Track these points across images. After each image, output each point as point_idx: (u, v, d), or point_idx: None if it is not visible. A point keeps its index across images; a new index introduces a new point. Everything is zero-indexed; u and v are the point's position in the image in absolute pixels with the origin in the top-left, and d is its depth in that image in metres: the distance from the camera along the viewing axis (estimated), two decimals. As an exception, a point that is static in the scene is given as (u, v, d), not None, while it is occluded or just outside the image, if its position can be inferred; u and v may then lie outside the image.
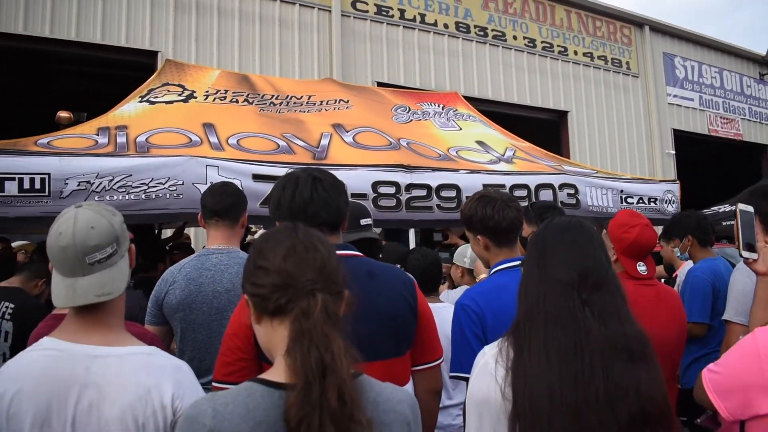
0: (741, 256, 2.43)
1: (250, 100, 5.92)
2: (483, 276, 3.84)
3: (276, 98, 6.14)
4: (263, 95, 6.14)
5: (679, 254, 4.90)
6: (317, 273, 1.36)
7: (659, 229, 10.72)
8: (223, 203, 3.18)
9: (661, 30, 16.52)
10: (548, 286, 1.69)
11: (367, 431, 1.25)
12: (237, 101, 5.83)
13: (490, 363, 1.68)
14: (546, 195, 5.34)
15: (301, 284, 1.34)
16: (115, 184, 3.98)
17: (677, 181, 6.98)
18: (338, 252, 2.09)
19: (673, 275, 5.35)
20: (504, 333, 1.74)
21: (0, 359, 4.13)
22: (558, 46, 14.40)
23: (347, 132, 5.59)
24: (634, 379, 1.56)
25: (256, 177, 4.36)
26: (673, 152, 16.02)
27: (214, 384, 2.00)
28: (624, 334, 1.61)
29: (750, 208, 2.45)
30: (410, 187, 4.82)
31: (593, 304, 1.64)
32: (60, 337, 1.69)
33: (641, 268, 2.96)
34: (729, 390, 1.87)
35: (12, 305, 4.21)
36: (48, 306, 4.74)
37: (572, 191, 5.53)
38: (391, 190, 4.73)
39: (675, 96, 16.57)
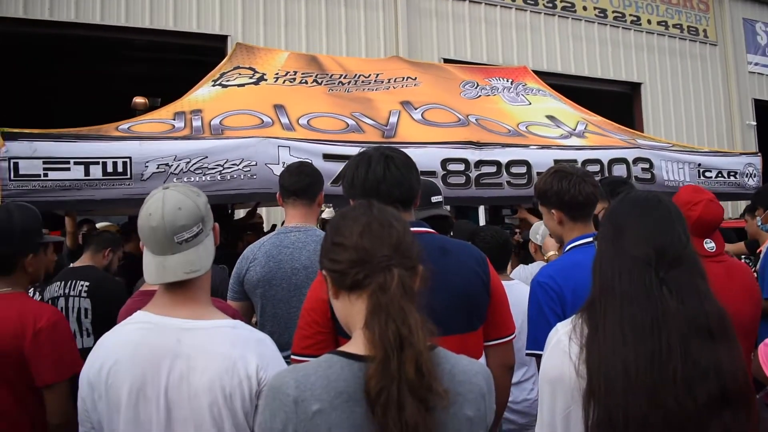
0: None
1: (319, 81, 6.00)
2: (552, 253, 3.80)
3: (344, 77, 6.20)
4: (331, 75, 6.21)
5: (760, 224, 4.71)
6: (393, 249, 1.39)
7: (736, 205, 10.31)
8: (300, 183, 3.26)
9: (741, -6, 15.74)
10: (623, 262, 1.65)
11: (444, 402, 1.28)
12: (306, 82, 5.92)
13: (563, 340, 1.66)
14: (620, 170, 5.23)
15: (377, 260, 1.38)
16: (192, 166, 4.13)
17: (759, 154, 6.69)
18: (411, 229, 2.15)
19: (758, 251, 5.16)
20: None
21: (84, 334, 4.36)
22: (630, 15, 13.90)
23: (416, 109, 5.60)
24: (713, 358, 1.52)
25: (327, 156, 4.44)
26: (754, 123, 15.28)
27: (292, 357, 2.06)
28: (704, 312, 1.57)
29: None
30: (480, 163, 4.81)
31: (671, 282, 1.59)
32: (152, 311, 1.78)
33: (708, 245, 2.89)
34: None
35: (87, 283, 4.40)
36: (121, 275, 4.99)
37: (647, 165, 5.40)
38: (461, 167, 4.73)
39: (756, 64, 15.76)
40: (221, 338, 1.71)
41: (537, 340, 2.43)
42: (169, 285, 1.78)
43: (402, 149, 2.41)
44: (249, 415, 1.67)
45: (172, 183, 1.83)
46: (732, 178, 6.14)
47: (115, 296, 4.16)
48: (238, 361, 1.67)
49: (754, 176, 6.34)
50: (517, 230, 6.44)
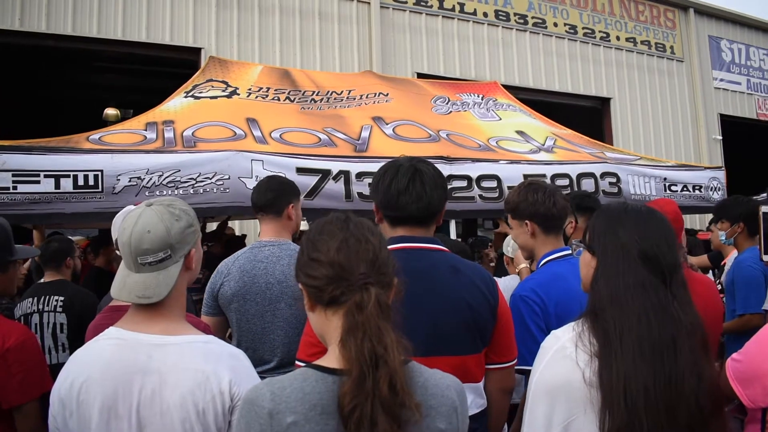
0: (762, 260, 2.41)
1: (292, 98, 6.03)
2: (524, 266, 3.85)
3: (317, 94, 6.24)
4: (304, 92, 6.24)
5: (723, 239, 4.79)
6: (369, 266, 1.40)
7: (703, 217, 10.48)
8: (264, 198, 3.28)
9: (706, 12, 16.10)
10: (634, 275, 1.64)
11: (417, 416, 1.30)
12: (279, 99, 5.94)
13: (569, 347, 1.63)
14: (588, 184, 5.32)
15: (354, 278, 1.39)
16: (164, 180, 4.11)
17: (723, 168, 6.85)
18: (423, 245, 2.19)
19: (722, 263, 5.28)
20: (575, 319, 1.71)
21: (60, 349, 4.32)
22: (600, 31, 14.17)
23: (387, 124, 5.65)
24: (710, 369, 1.57)
25: (300, 170, 4.45)
26: (720, 138, 15.62)
27: (297, 363, 2.06)
28: (699, 324, 1.61)
29: None
30: (451, 177, 4.86)
31: (679, 296, 1.62)
32: (124, 327, 1.78)
33: None
34: (749, 378, 1.89)
35: (61, 298, 4.39)
36: (87, 285, 4.95)
37: (614, 180, 5.50)
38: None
39: (721, 80, 16.14)
40: (193, 354, 1.71)
41: (524, 356, 2.40)
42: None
43: (373, 163, 2.42)
44: (222, 431, 1.68)
45: (160, 199, 1.84)
46: (697, 192, 6.27)
47: (90, 310, 4.15)
48: (211, 376, 1.67)
49: (719, 190, 6.48)
50: (490, 243, 6.52)
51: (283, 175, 4.21)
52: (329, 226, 1.50)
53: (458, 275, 2.20)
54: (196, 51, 9.44)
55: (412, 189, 2.20)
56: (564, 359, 1.62)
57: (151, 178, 4.10)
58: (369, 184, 4.03)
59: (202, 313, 3.28)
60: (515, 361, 2.35)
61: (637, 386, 1.51)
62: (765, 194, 9.27)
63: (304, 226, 6.73)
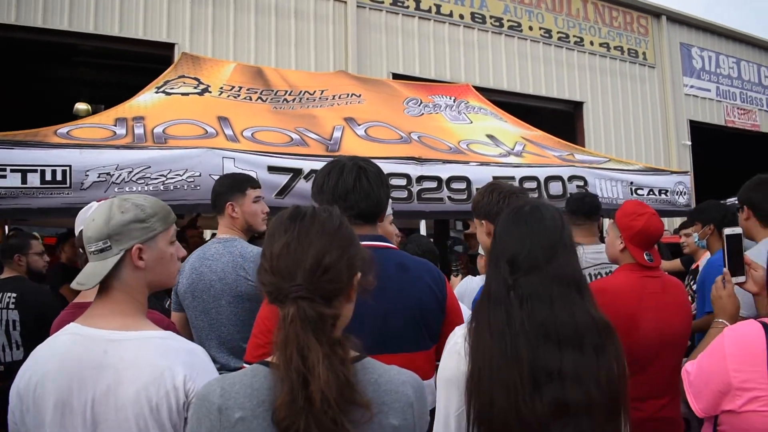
0: (724, 281, 2.49)
1: (264, 98, 6.01)
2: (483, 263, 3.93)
3: (289, 94, 6.24)
4: (276, 92, 6.23)
5: (697, 241, 4.94)
6: (308, 274, 1.35)
7: (670, 221, 10.69)
8: (211, 198, 3.39)
9: (678, 20, 16.38)
10: (495, 268, 1.78)
11: (368, 414, 1.30)
12: (250, 99, 5.93)
13: (460, 342, 1.75)
14: (556, 187, 5.40)
15: (286, 290, 1.35)
16: (134, 176, 4.09)
17: (689, 173, 6.98)
18: (371, 243, 2.16)
19: (693, 266, 5.41)
20: None
21: (14, 347, 4.29)
22: (574, 36, 14.34)
23: (359, 125, 5.67)
24: (557, 366, 1.60)
25: (271, 168, 4.46)
26: (689, 143, 15.91)
27: (244, 365, 2.05)
28: (554, 320, 1.65)
29: (738, 230, 2.46)
30: (421, 179, 4.90)
31: (519, 288, 1.69)
32: (82, 322, 1.78)
33: (647, 257, 3.03)
34: (700, 390, 1.92)
35: (14, 294, 4.38)
36: (41, 280, 4.92)
37: (581, 183, 5.59)
38: (402, 182, 4.82)
39: (692, 87, 16.44)
40: (149, 349, 1.71)
41: None
42: (99, 295, 1.81)
43: None
44: (177, 427, 1.67)
45: (124, 193, 1.86)
46: (663, 196, 6.37)
47: (43, 306, 4.13)
48: (166, 372, 1.65)
49: (684, 194, 6.60)
50: (460, 245, 6.58)
51: (255, 173, 4.24)
52: (280, 223, 1.45)
53: (406, 272, 2.21)
54: (170, 46, 9.39)
55: (359, 187, 2.22)
56: (455, 354, 1.75)
57: (120, 174, 4.07)
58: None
59: (171, 309, 3.37)
60: None
61: (484, 367, 1.63)
62: (733, 199, 9.46)
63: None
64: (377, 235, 2.30)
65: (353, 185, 2.22)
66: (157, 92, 5.62)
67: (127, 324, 1.76)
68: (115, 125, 4.81)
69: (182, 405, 1.66)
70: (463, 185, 5.06)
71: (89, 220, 1.81)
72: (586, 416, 1.59)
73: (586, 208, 3.79)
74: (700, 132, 16.34)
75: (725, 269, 2.50)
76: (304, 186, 4.49)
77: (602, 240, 6.25)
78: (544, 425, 1.58)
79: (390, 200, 2.60)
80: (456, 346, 1.77)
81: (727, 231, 2.53)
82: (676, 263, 6.38)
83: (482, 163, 5.35)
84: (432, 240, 7.41)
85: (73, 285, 1.80)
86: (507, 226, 1.84)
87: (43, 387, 1.68)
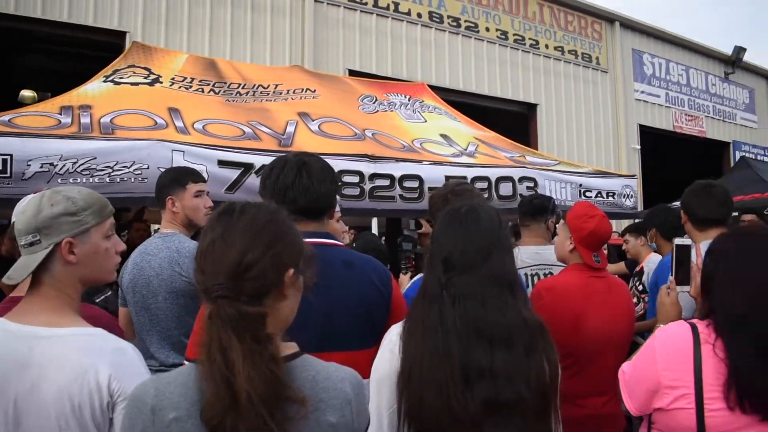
0: (668, 289, 2.58)
1: (216, 90, 5.91)
2: None
3: (242, 87, 6.15)
4: (230, 84, 6.14)
5: (651, 244, 5.23)
6: (230, 274, 1.34)
7: (617, 223, 10.97)
8: (154, 192, 3.39)
9: (631, 26, 16.77)
10: (430, 267, 1.81)
11: (303, 410, 1.29)
12: (202, 90, 5.83)
13: (394, 340, 1.78)
14: (506, 188, 5.45)
15: (209, 289, 1.34)
16: (79, 167, 3.96)
17: (636, 176, 7.15)
18: (315, 240, 2.12)
19: (637, 269, 5.58)
20: None
21: None
22: (530, 39, 14.54)
23: (313, 121, 5.63)
24: (489, 364, 1.63)
25: (222, 163, 4.38)
26: (638, 147, 16.32)
27: (185, 361, 2.03)
28: (485, 320, 1.68)
29: (688, 242, 2.52)
30: (374, 176, 4.88)
31: (452, 287, 1.73)
32: (10, 317, 1.73)
33: (595, 258, 3.09)
34: (633, 389, 1.99)
35: None
36: None
37: (531, 184, 5.65)
38: (355, 179, 4.79)
39: (642, 92, 16.87)
40: (74, 347, 1.66)
41: None
42: (29, 290, 1.76)
43: None
44: (101, 428, 1.62)
45: (68, 184, 1.80)
46: (610, 199, 6.50)
47: None
48: (89, 370, 1.61)
49: (631, 197, 6.74)
50: (409, 242, 6.60)
51: (205, 167, 4.18)
52: (210, 222, 1.44)
53: (351, 269, 2.19)
54: (121, 35, 9.19)
55: (298, 183, 2.21)
56: (388, 352, 1.78)
57: (64, 165, 3.94)
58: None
59: (119, 305, 3.33)
60: None
61: (415, 364, 1.66)
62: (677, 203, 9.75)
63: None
64: (322, 232, 2.27)
65: (292, 181, 2.21)
66: (105, 81, 5.48)
67: (55, 320, 1.71)
68: (61, 114, 4.66)
69: (106, 405, 1.62)
70: (415, 184, 5.06)
71: (20, 212, 1.78)
72: (517, 416, 1.61)
73: (533, 209, 3.87)
74: (650, 136, 16.76)
75: (671, 278, 2.58)
76: (255, 181, 4.43)
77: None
78: (476, 424, 1.60)
79: (338, 197, 2.58)
80: (390, 344, 1.79)
81: (677, 241, 2.61)
82: (620, 266, 6.54)
83: (435, 163, 5.36)
84: (384, 238, 7.43)
85: (4, 279, 1.75)
86: (443, 226, 1.88)
87: None
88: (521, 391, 1.61)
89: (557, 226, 3.35)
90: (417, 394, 1.65)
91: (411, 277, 5.10)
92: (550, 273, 3.59)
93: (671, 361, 1.87)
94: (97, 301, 3.16)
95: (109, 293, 3.43)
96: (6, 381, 1.62)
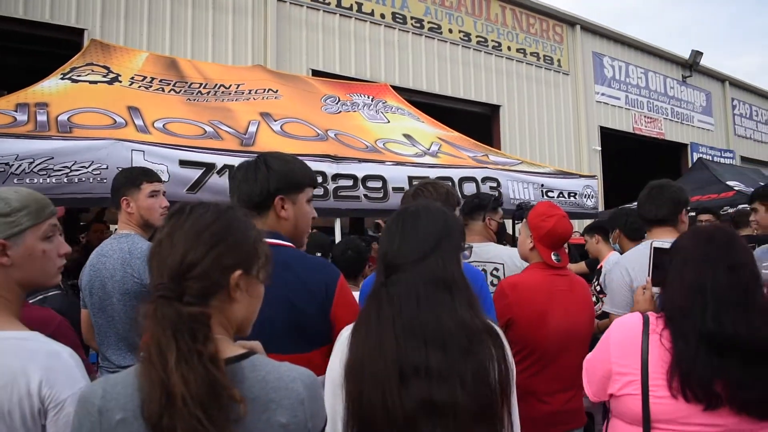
0: (644, 288, 2.70)
1: (177, 90, 5.85)
2: None
3: (204, 87, 6.10)
4: (191, 84, 6.08)
5: (612, 244, 5.45)
6: (172, 274, 1.34)
7: (578, 223, 11.14)
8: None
9: (591, 30, 17.03)
10: (378, 267, 1.84)
11: (241, 410, 1.27)
12: (163, 90, 5.76)
13: (344, 339, 1.80)
14: (469, 188, 5.51)
15: (152, 288, 1.35)
16: (35, 167, 3.89)
17: (596, 177, 7.28)
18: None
19: (598, 267, 5.69)
20: None
21: None
22: (492, 40, 14.66)
23: (275, 121, 5.61)
24: (424, 362, 1.63)
25: (183, 162, 4.35)
26: (599, 148, 16.58)
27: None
28: (418, 321, 1.68)
29: (666, 244, 2.59)
30: (337, 176, 4.90)
31: (391, 286, 1.74)
32: None
33: (555, 257, 3.13)
34: (591, 375, 2.09)
35: None
36: None
37: (494, 184, 5.72)
38: (319, 179, 4.79)
39: (603, 94, 17.14)
40: (5, 351, 1.59)
41: None
42: None
43: None
44: None
45: (23, 185, 1.75)
46: (572, 199, 6.61)
47: None
48: (19, 376, 1.55)
49: (592, 197, 6.87)
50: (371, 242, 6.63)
51: (166, 167, 4.13)
52: (164, 220, 1.45)
53: (287, 272, 2.10)
54: (79, 32, 8.98)
55: (249, 177, 2.23)
56: (339, 352, 1.79)
57: (20, 165, 3.86)
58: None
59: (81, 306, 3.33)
60: None
61: (356, 361, 1.68)
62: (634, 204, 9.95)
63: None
64: (271, 232, 2.20)
65: (244, 176, 2.22)
66: (63, 79, 5.38)
67: None
68: (16, 111, 4.57)
69: (37, 412, 1.56)
70: (379, 184, 5.09)
71: None
72: (451, 418, 1.60)
73: (470, 208, 3.90)
74: (610, 138, 17.04)
75: (648, 278, 2.73)
76: (216, 181, 4.40)
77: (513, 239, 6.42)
78: (410, 423, 1.60)
79: None
80: (341, 344, 1.79)
81: (656, 244, 2.72)
82: (581, 266, 6.65)
83: (398, 163, 5.39)
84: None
85: None
86: (387, 226, 1.91)
87: None
88: (456, 393, 1.60)
89: (521, 224, 3.40)
90: (357, 389, 1.66)
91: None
92: (484, 269, 3.61)
93: (622, 348, 1.96)
94: (31, 301, 3.08)
95: (51, 293, 3.37)
96: None
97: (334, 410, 1.72)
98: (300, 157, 4.65)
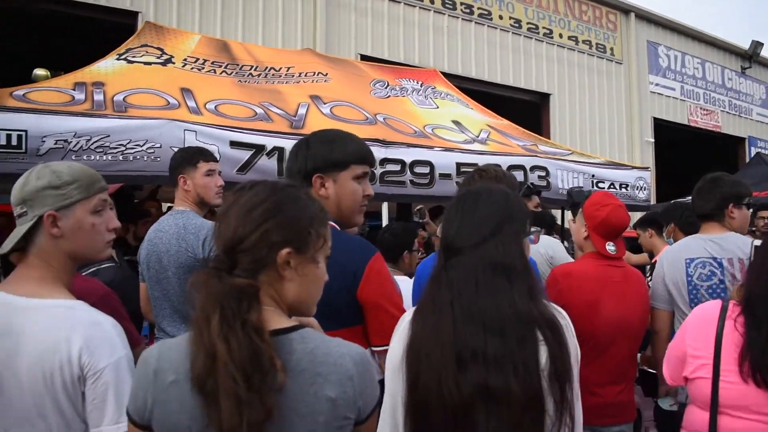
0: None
1: (228, 72, 5.92)
2: None
3: (254, 69, 6.16)
4: (242, 66, 6.14)
5: (667, 238, 5.38)
6: (225, 248, 1.40)
7: (633, 216, 10.94)
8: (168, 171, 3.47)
9: (646, 18, 16.59)
10: (439, 250, 1.83)
11: (281, 377, 1.29)
12: (215, 71, 5.84)
13: (404, 324, 1.79)
14: (517, 176, 5.44)
15: (209, 262, 1.42)
16: (92, 144, 4.01)
17: (649, 168, 7.11)
18: None
19: (653, 261, 5.57)
20: None
21: None
22: (543, 28, 14.42)
23: (325, 104, 5.63)
24: (482, 347, 1.60)
25: (234, 144, 4.41)
26: (652, 140, 16.20)
27: None
28: (476, 306, 1.65)
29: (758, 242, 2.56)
30: (384, 161, 4.89)
31: (450, 270, 1.72)
32: (1, 287, 1.75)
33: (610, 247, 3.08)
34: (669, 357, 2.17)
35: None
36: None
37: (543, 173, 5.64)
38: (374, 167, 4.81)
39: (657, 84, 16.70)
40: (51, 318, 1.67)
41: None
42: (21, 261, 1.78)
43: None
44: (74, 400, 1.63)
45: (81, 161, 1.82)
46: (623, 190, 6.47)
47: None
48: (62, 342, 1.62)
49: (644, 189, 6.72)
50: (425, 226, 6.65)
51: (217, 148, 4.19)
52: (227, 198, 1.51)
53: None
54: (133, 15, 9.15)
55: (292, 156, 2.33)
56: (399, 337, 1.77)
57: (78, 142, 3.98)
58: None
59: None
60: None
61: (415, 344, 1.67)
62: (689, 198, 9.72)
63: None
64: None
65: (290, 155, 2.29)
66: (118, 59, 5.50)
67: (38, 291, 1.72)
68: (74, 90, 4.69)
69: (77, 378, 1.62)
70: (426, 170, 5.06)
71: (16, 184, 1.79)
72: (504, 405, 1.58)
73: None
74: (663, 130, 16.63)
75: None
76: (266, 162, 4.45)
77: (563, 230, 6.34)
78: (465, 408, 1.58)
79: None
80: (403, 329, 1.77)
81: (756, 243, 2.72)
82: (644, 257, 6.51)
83: (446, 149, 5.36)
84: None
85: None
86: (448, 209, 1.87)
87: None
88: (510, 380, 1.58)
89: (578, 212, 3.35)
90: (414, 374, 1.65)
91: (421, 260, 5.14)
92: None
93: (697, 331, 2.05)
94: (84, 273, 3.18)
95: (104, 265, 3.48)
96: None
97: (394, 397, 1.72)
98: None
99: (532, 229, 1.99)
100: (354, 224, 2.44)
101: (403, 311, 2.14)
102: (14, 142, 3.84)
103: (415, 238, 4.75)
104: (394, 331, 1.82)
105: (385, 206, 6.18)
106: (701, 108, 17.81)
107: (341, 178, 2.28)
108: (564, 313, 1.82)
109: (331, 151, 2.28)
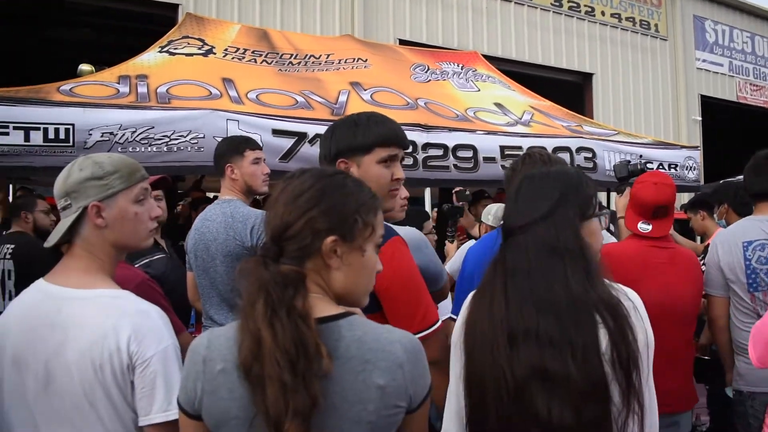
0: None
1: (269, 61, 5.96)
2: None
3: (294, 57, 6.18)
4: (282, 54, 6.17)
5: (717, 220, 5.22)
6: (273, 235, 1.41)
7: (678, 197, 10.72)
8: (213, 160, 3.46)
9: (692, -8, 16.12)
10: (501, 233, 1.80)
11: (327, 363, 1.28)
12: (255, 61, 5.87)
13: (466, 305, 1.78)
14: (563, 158, 5.35)
15: (260, 250, 1.41)
16: (137, 136, 4.08)
17: (699, 148, 6.92)
18: None
19: (705, 244, 5.39)
20: None
21: (7, 296, 4.46)
22: (585, 6, 14.10)
23: (365, 90, 5.62)
24: (535, 327, 1.56)
25: (276, 132, 4.43)
26: (700, 119, 15.75)
27: None
28: (530, 288, 1.61)
29: None
30: (427, 146, 4.86)
31: (508, 251, 1.69)
32: (47, 279, 1.77)
33: (643, 226, 2.97)
34: (757, 340, 2.09)
35: (12, 246, 4.57)
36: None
37: (589, 155, 5.54)
38: (408, 149, 4.77)
39: (704, 61, 16.21)
40: (98, 308, 1.68)
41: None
42: (66, 252, 1.80)
43: None
44: (123, 389, 1.64)
45: (127, 153, 1.83)
46: (672, 170, 6.31)
47: (37, 258, 4.19)
48: (110, 332, 1.62)
49: (694, 169, 6.54)
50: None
51: (259, 137, 4.20)
52: (276, 186, 1.49)
53: None
54: (174, 7, 9.25)
55: (321, 142, 2.32)
56: (461, 318, 1.76)
57: (124, 134, 4.06)
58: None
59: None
60: (430, 330, 2.15)
61: (471, 323, 1.68)
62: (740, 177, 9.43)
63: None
64: None
65: (324, 137, 2.25)
66: (161, 52, 5.57)
67: (84, 282, 1.74)
68: (119, 83, 4.78)
69: (126, 367, 1.63)
70: (469, 153, 5.01)
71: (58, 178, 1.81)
72: (561, 388, 1.52)
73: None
74: (711, 107, 16.16)
75: None
76: (308, 150, 4.46)
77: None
78: (524, 390, 1.54)
79: None
80: (463, 309, 1.77)
81: None
82: (690, 242, 6.30)
83: (489, 132, 5.30)
84: (436, 209, 7.39)
85: (46, 243, 1.81)
86: (508, 192, 1.87)
87: (3, 342, 1.70)
88: (568, 363, 1.53)
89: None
90: (468, 352, 1.65)
91: (458, 246, 5.07)
92: None
93: None
94: (137, 265, 3.25)
95: (156, 257, 3.54)
96: (37, 342, 1.66)
97: (457, 372, 1.73)
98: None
99: (603, 211, 1.91)
100: (383, 210, 2.39)
101: (426, 294, 2.16)
102: (62, 135, 3.94)
103: (425, 221, 4.70)
104: (461, 310, 1.81)
105: (427, 191, 6.14)
106: (751, 84, 17.24)
107: (365, 163, 2.19)
108: (634, 294, 1.76)
109: (354, 135, 2.20)
